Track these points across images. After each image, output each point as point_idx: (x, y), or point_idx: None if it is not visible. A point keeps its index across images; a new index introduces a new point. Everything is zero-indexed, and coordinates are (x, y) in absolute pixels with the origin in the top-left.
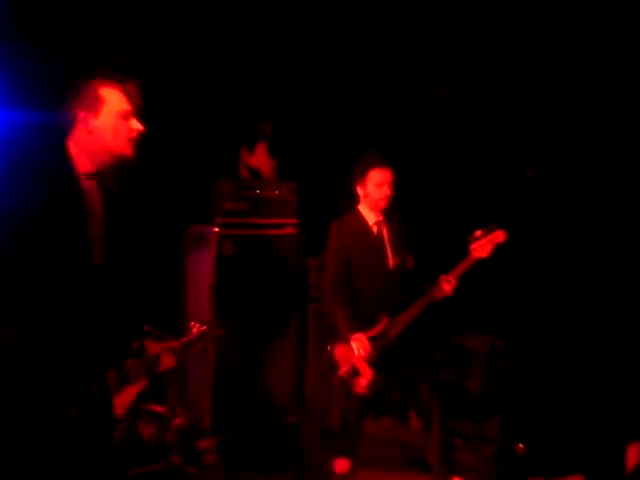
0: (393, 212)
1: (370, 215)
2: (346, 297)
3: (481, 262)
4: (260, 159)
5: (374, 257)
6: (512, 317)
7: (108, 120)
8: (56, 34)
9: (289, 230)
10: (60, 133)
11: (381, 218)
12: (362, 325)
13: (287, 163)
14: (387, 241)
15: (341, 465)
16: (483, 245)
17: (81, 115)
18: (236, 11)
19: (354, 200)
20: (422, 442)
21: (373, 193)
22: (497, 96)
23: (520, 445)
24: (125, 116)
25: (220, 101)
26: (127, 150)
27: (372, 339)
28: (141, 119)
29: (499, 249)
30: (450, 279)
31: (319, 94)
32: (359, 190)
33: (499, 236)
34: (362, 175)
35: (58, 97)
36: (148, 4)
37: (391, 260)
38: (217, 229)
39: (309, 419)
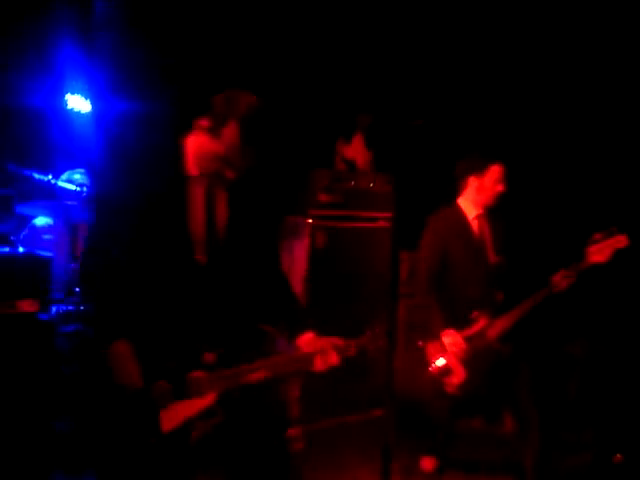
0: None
1: (470, 209)
2: (440, 293)
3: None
4: (356, 150)
5: (474, 253)
6: (612, 321)
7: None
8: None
9: (382, 223)
10: (177, 132)
11: (481, 212)
12: (458, 323)
13: (384, 155)
14: (488, 237)
15: (428, 463)
16: (602, 249)
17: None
18: (336, 2)
19: (453, 192)
20: (517, 446)
21: (489, 188)
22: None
23: (618, 455)
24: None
25: (319, 92)
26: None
27: (468, 338)
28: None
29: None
30: (567, 274)
31: (419, 84)
32: (472, 181)
33: (621, 241)
34: (482, 167)
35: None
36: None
37: (492, 257)
38: (311, 220)
39: (398, 414)
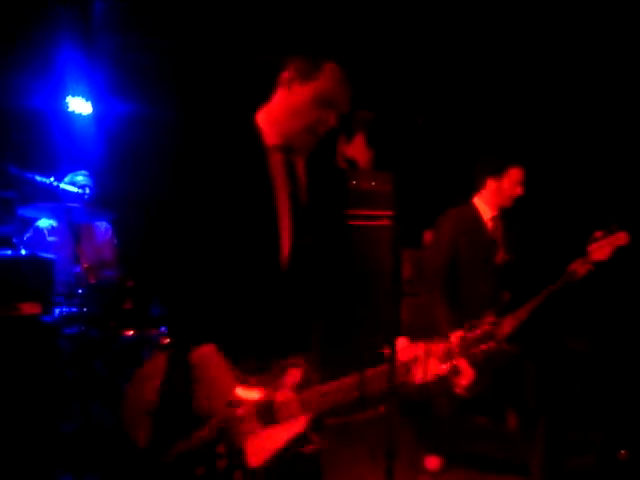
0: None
1: (486, 209)
2: (448, 293)
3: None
4: (357, 149)
5: (485, 253)
6: (617, 318)
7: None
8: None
9: (384, 222)
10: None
11: (497, 213)
12: (466, 322)
13: (386, 153)
14: (501, 238)
15: (433, 462)
16: (602, 247)
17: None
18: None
19: (456, 191)
20: (521, 445)
21: (508, 190)
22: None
23: (622, 452)
24: (323, 103)
25: None
26: (300, 141)
27: (477, 339)
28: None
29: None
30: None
31: (421, 82)
32: (491, 182)
33: (621, 238)
34: (501, 169)
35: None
36: None
37: (501, 257)
38: None
39: (403, 413)
